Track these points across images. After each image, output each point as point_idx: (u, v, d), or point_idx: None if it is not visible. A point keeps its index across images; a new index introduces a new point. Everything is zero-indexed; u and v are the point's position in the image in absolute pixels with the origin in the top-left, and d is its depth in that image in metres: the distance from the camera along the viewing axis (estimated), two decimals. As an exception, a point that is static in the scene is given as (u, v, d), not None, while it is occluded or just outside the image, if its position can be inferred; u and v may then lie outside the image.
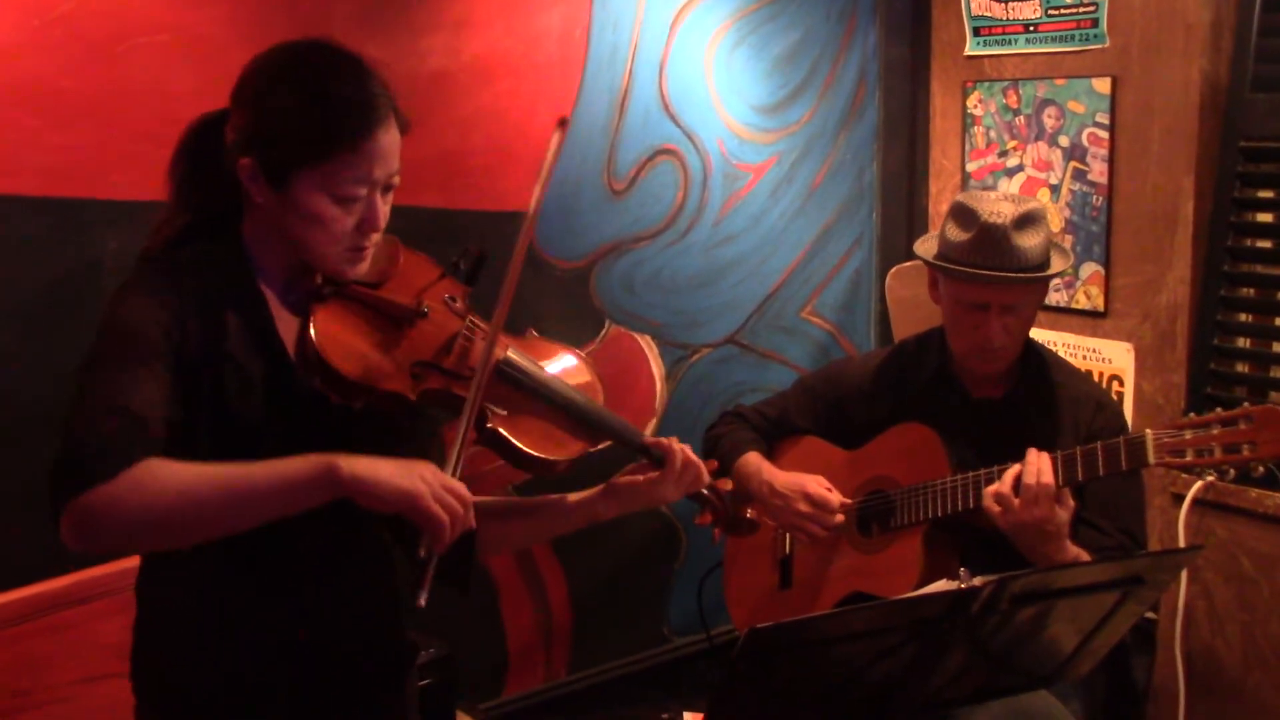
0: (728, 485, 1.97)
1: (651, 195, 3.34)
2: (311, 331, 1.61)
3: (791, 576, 2.65)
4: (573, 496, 1.91)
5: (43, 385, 2.39)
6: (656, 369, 3.44)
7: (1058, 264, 2.43)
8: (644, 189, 3.33)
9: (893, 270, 3.63)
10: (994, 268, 2.34)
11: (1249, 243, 3.05)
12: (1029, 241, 2.36)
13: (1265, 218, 3.03)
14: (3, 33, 2.38)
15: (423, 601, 1.51)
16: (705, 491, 1.91)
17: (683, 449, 1.85)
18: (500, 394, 1.71)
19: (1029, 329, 2.47)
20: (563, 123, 1.82)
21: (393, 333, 1.68)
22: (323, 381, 1.61)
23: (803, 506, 2.54)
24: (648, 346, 3.40)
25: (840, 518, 2.52)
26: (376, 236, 1.67)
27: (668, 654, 3.57)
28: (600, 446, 1.80)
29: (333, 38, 1.68)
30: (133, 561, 2.20)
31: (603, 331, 3.32)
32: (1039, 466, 2.21)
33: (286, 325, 1.66)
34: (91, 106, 2.47)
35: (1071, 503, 2.23)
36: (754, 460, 2.66)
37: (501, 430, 1.68)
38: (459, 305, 1.76)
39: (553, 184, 3.16)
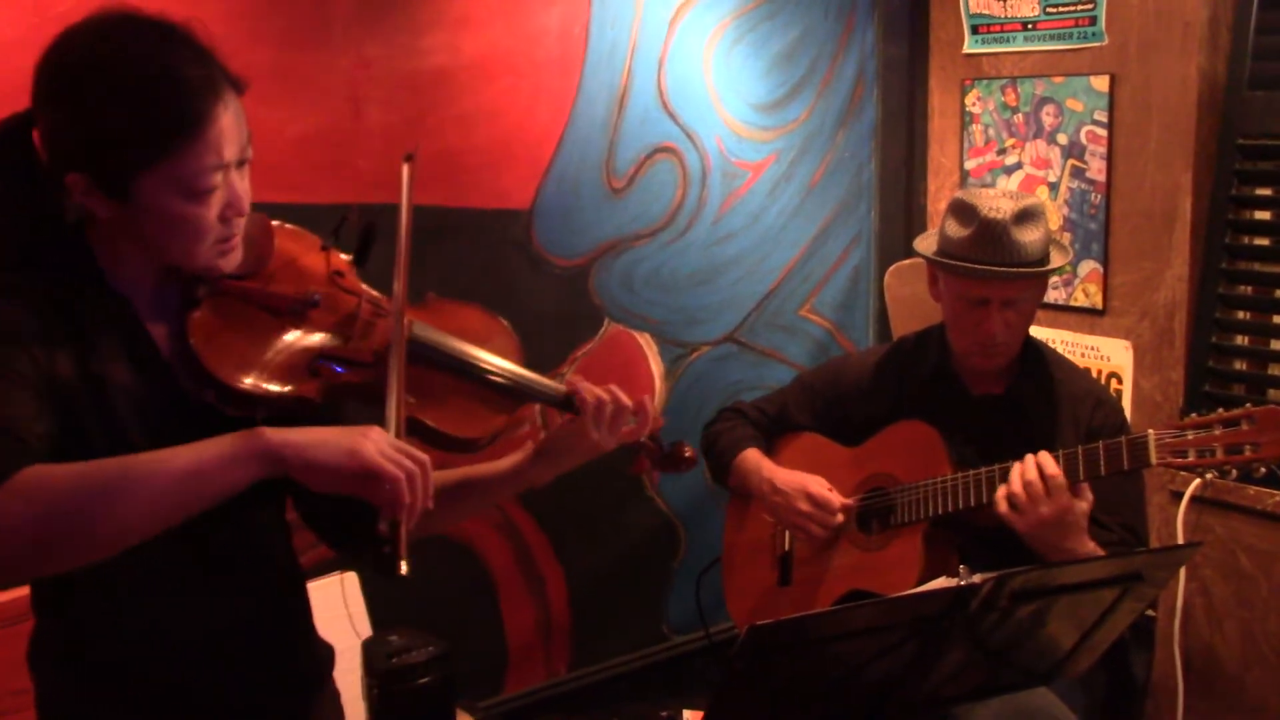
0: (660, 423, 1.80)
1: (650, 193, 3.34)
2: (194, 345, 1.44)
3: (791, 574, 2.65)
4: (501, 464, 1.75)
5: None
6: (655, 367, 3.44)
7: (1057, 259, 2.43)
8: (643, 187, 3.33)
9: (891, 268, 3.63)
10: (994, 263, 2.34)
11: (1247, 240, 3.05)
12: (1028, 236, 2.36)
13: (1263, 215, 3.03)
14: (1, 29, 2.38)
15: (404, 570, 1.35)
16: (638, 438, 1.75)
17: (594, 390, 1.67)
18: (414, 376, 1.54)
19: (1029, 325, 2.48)
20: (409, 158, 1.65)
21: (282, 328, 1.51)
22: (216, 397, 1.46)
23: (803, 505, 2.54)
24: (647, 344, 3.40)
25: (841, 518, 2.53)
26: (242, 221, 1.48)
27: (667, 651, 3.57)
28: (521, 411, 1.66)
29: (133, 7, 1.44)
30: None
31: (601, 329, 3.32)
32: (1036, 461, 2.20)
33: (163, 339, 1.49)
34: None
35: (1090, 495, 2.23)
36: (754, 457, 2.66)
37: (421, 417, 1.53)
38: (347, 281, 1.59)
39: (551, 181, 3.17)
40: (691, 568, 3.38)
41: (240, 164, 1.46)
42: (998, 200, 2.38)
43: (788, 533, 2.66)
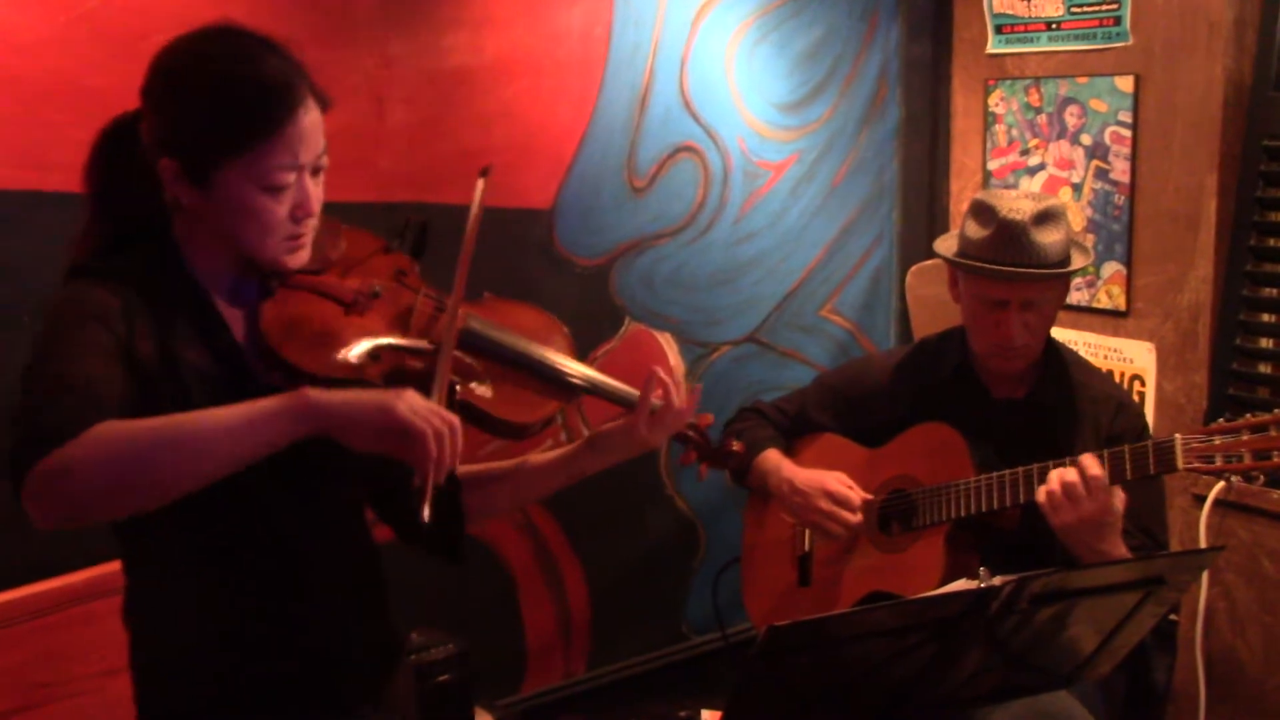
0: (708, 420, 1.90)
1: (672, 193, 3.34)
2: (264, 329, 1.57)
3: (810, 574, 2.65)
4: (553, 453, 1.87)
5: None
6: (676, 366, 3.44)
7: (1078, 261, 2.42)
8: (664, 186, 3.33)
9: (913, 269, 3.62)
10: (1013, 264, 2.33)
11: (1272, 242, 3.02)
12: (1048, 238, 2.35)
13: (1289, 217, 3.01)
14: (29, 30, 2.40)
15: (426, 515, 1.47)
16: (687, 431, 1.87)
17: (656, 390, 1.78)
18: (467, 363, 1.67)
19: (1050, 327, 2.46)
20: (484, 172, 1.78)
21: (347, 317, 1.63)
22: (283, 377, 1.56)
23: (823, 504, 2.54)
24: (667, 344, 3.40)
25: (861, 516, 2.52)
26: (313, 222, 1.62)
27: (686, 651, 3.57)
28: (574, 402, 1.78)
29: (236, 21, 1.60)
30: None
31: (622, 329, 3.32)
32: (1085, 462, 2.19)
33: (238, 325, 1.62)
34: (117, 103, 2.46)
35: (1123, 495, 2.22)
36: (773, 457, 2.66)
37: (471, 400, 1.65)
38: (410, 279, 1.72)
39: (573, 181, 3.17)
40: (711, 568, 3.38)
41: (315, 171, 1.59)
42: (1018, 201, 2.37)
43: (807, 533, 2.66)
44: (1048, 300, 2.41)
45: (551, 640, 3.33)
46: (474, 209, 1.73)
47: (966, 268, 2.41)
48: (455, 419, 1.49)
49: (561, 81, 3.11)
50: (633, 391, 1.81)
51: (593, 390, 1.79)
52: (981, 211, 2.41)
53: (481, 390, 1.67)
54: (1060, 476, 2.20)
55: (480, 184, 1.75)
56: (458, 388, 1.64)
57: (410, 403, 1.45)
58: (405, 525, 1.85)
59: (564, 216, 3.16)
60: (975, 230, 2.40)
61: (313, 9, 2.69)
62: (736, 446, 1.94)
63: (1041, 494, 2.22)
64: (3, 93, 2.40)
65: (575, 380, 1.77)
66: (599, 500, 3.27)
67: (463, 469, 1.83)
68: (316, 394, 1.44)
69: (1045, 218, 2.36)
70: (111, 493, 1.38)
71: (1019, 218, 2.33)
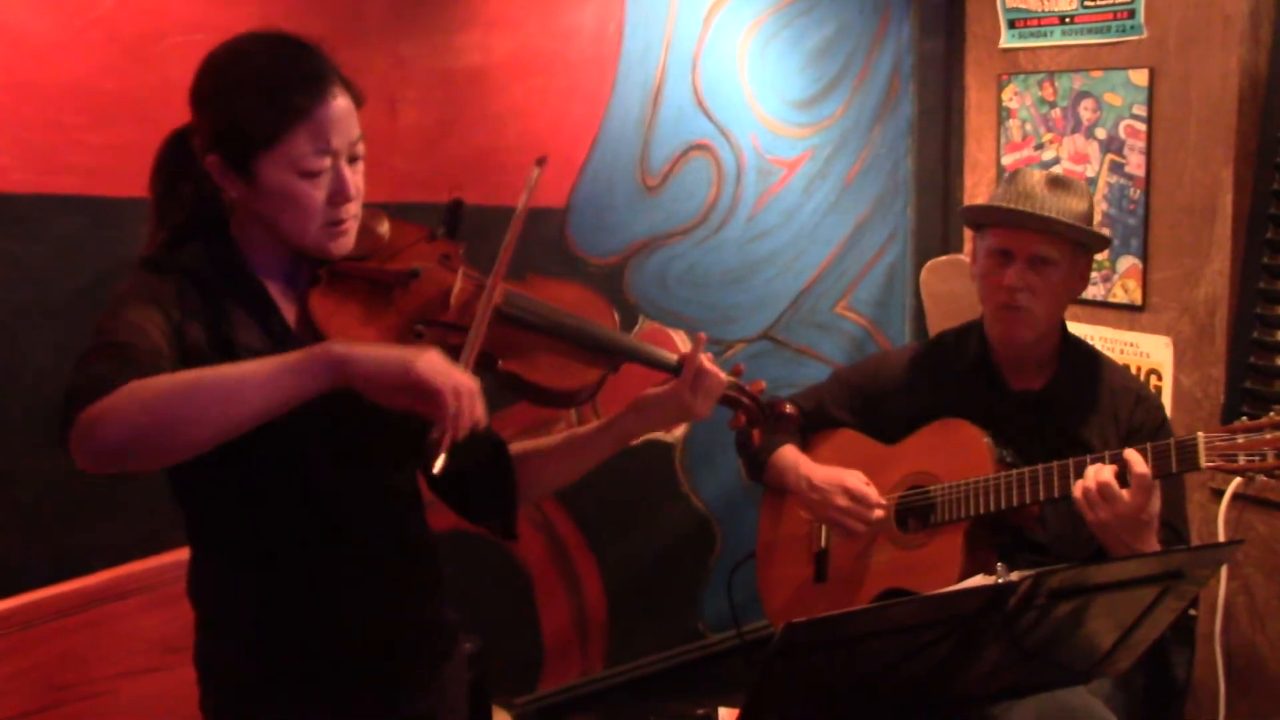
0: (760, 385, 1.94)
1: (685, 191, 3.34)
2: (312, 312, 1.65)
3: (827, 570, 2.65)
4: (597, 423, 1.93)
5: (84, 382, 2.41)
6: (690, 364, 3.43)
7: (1094, 232, 2.43)
8: (677, 185, 3.33)
9: (928, 265, 3.62)
10: (1022, 211, 2.39)
11: (1289, 235, 3.01)
12: (1061, 199, 2.41)
13: (1306, 210, 2.99)
14: (43, 33, 2.41)
15: (437, 468, 1.51)
16: (730, 392, 1.89)
17: (700, 357, 1.85)
18: (507, 335, 1.73)
19: (1058, 301, 2.45)
20: (540, 162, 1.85)
21: (390, 298, 1.71)
22: None
23: (841, 500, 2.53)
24: (681, 342, 3.40)
25: (880, 513, 2.52)
26: (353, 208, 1.69)
27: (703, 649, 3.57)
28: (618, 369, 1.82)
29: (276, 25, 1.70)
30: (172, 556, 2.24)
31: (636, 328, 3.32)
32: (1130, 458, 2.16)
33: (291, 314, 1.71)
34: (130, 106, 2.49)
35: (1160, 494, 2.20)
36: (790, 454, 2.65)
37: (515, 370, 1.71)
38: (453, 261, 1.79)
39: (586, 180, 3.17)
40: (727, 565, 3.38)
41: (352, 160, 1.67)
42: (1043, 172, 2.47)
43: (824, 530, 2.65)
44: (1056, 262, 2.40)
45: (568, 638, 3.34)
46: (525, 196, 1.81)
47: (978, 210, 2.49)
48: (474, 381, 1.53)
49: (573, 81, 3.11)
50: (672, 357, 1.87)
51: (634, 356, 1.85)
52: (1007, 178, 2.50)
53: (524, 360, 1.73)
54: (1096, 474, 2.18)
55: (535, 172, 1.84)
56: (500, 361, 1.70)
57: (430, 360, 1.50)
58: (462, 503, 1.90)
59: (577, 215, 3.16)
60: (995, 193, 2.49)
61: (325, 12, 2.70)
62: (790, 409, 1.95)
63: (1077, 489, 2.21)
64: (17, 96, 2.41)
65: (617, 347, 1.82)
66: (614, 498, 3.27)
67: (514, 447, 1.90)
68: (341, 346, 1.50)
69: (1064, 184, 2.44)
70: (144, 437, 1.45)
71: (1037, 177, 2.43)
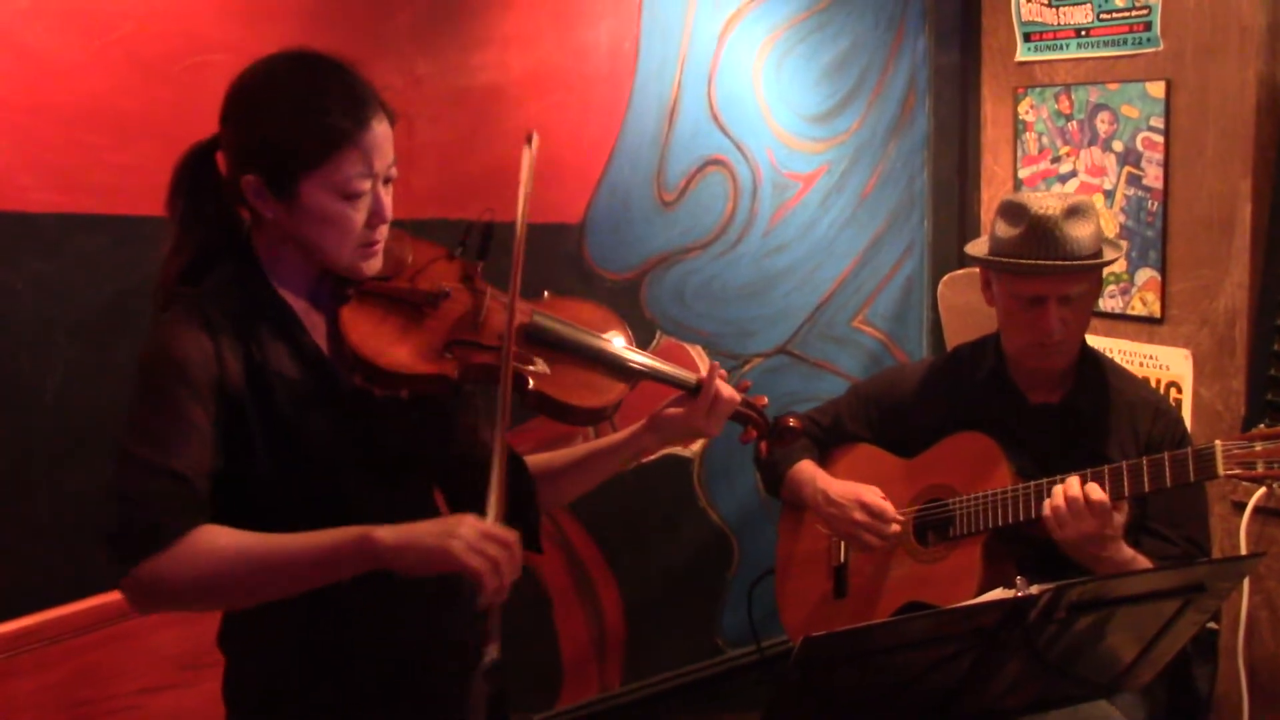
0: (763, 400, 1.99)
1: (701, 206, 3.35)
2: (345, 332, 1.66)
3: (846, 585, 2.64)
4: (616, 435, 1.96)
5: (105, 400, 2.43)
6: (708, 379, 3.43)
7: (1110, 254, 2.42)
8: (694, 200, 3.33)
9: (945, 278, 3.61)
10: (1047, 258, 2.34)
11: (1309, 246, 3.00)
12: (1080, 231, 2.36)
13: (1325, 221, 2.98)
14: (64, 53, 2.43)
15: (489, 657, 1.57)
16: (741, 409, 1.94)
17: (715, 380, 1.89)
18: (534, 356, 1.77)
19: (1086, 324, 2.45)
20: (530, 139, 1.85)
21: (421, 318, 1.73)
22: (365, 378, 1.67)
23: (859, 515, 2.53)
24: (699, 357, 3.40)
25: (898, 527, 2.51)
26: (385, 229, 1.71)
27: (722, 664, 3.56)
28: (635, 386, 1.85)
29: (299, 46, 1.71)
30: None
31: (654, 342, 3.32)
32: (1083, 487, 2.20)
33: (319, 331, 1.72)
34: (151, 125, 2.51)
35: (1126, 508, 2.22)
36: (808, 469, 2.65)
37: (544, 390, 1.74)
38: (476, 281, 1.81)
39: (602, 195, 3.18)
40: (745, 580, 3.37)
41: (386, 181, 1.69)
42: (1046, 199, 2.40)
43: (843, 544, 2.65)
44: (1083, 294, 2.40)
45: (586, 654, 3.33)
46: (525, 175, 1.82)
47: (1001, 266, 2.40)
48: (513, 536, 1.57)
49: (590, 96, 3.13)
50: (689, 376, 1.91)
51: (653, 375, 1.89)
52: (1011, 211, 2.42)
53: (551, 380, 1.75)
54: (1065, 492, 2.20)
55: (528, 152, 1.84)
56: (530, 382, 1.72)
57: (466, 538, 1.53)
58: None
59: (594, 231, 3.17)
60: (1006, 230, 2.40)
61: (341, 30, 2.72)
62: (794, 423, 2.00)
63: (1046, 508, 2.22)
64: (39, 117, 2.43)
65: (637, 366, 1.86)
66: (632, 514, 3.27)
67: (533, 459, 1.93)
68: (380, 536, 1.54)
69: (1075, 212, 2.37)
70: (200, 601, 1.62)
71: (1050, 213, 2.35)
